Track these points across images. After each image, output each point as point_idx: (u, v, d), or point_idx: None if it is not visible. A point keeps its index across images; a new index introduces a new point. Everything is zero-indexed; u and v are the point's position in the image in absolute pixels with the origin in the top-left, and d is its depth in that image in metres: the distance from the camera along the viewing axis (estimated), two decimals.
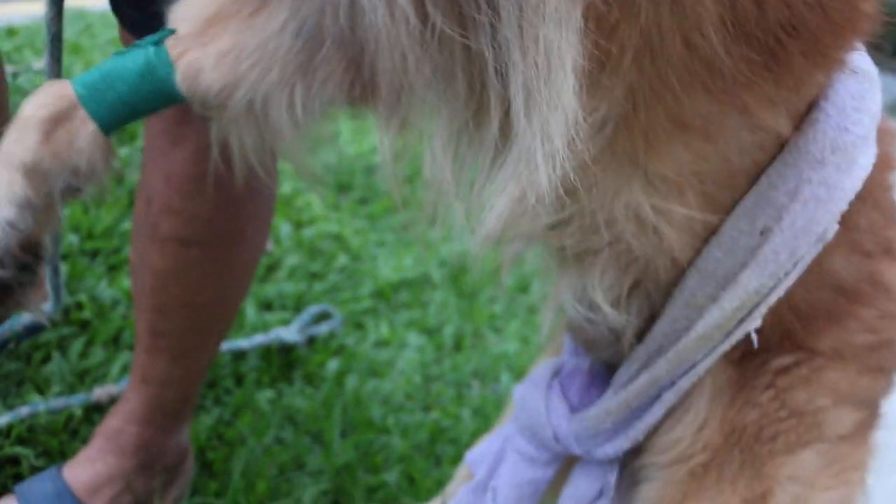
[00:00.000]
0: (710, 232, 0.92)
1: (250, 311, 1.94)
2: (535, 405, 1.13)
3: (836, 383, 1.00)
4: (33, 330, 1.58)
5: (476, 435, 1.88)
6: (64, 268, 1.72)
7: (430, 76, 0.74)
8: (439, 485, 1.69)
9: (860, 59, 0.93)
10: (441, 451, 1.80)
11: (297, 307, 2.05)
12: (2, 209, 0.81)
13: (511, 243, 0.96)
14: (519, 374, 2.20)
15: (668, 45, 0.73)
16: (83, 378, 1.56)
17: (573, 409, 1.11)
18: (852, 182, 0.90)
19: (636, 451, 1.08)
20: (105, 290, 1.73)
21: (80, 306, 1.68)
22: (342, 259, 2.32)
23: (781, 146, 0.89)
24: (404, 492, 1.65)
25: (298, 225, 2.37)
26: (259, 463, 1.51)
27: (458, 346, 2.22)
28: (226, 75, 0.80)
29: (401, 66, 0.74)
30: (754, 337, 0.96)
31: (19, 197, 0.82)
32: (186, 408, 1.40)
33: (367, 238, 2.48)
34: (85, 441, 1.40)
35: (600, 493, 1.12)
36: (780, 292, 0.93)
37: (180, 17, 0.84)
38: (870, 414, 1.05)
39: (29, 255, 0.86)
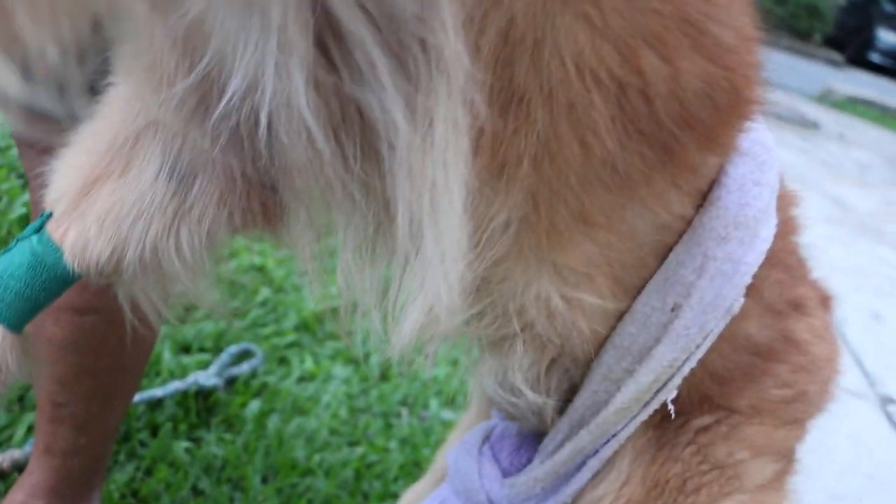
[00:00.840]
0: (623, 311, 0.93)
1: (167, 355, 1.89)
2: (468, 470, 1.15)
3: (754, 438, 1.03)
4: None
5: (404, 468, 1.87)
6: None
7: (335, 198, 0.73)
8: None
9: (757, 131, 0.94)
10: (368, 488, 1.78)
11: (217, 347, 2.01)
12: None
13: (429, 343, 0.96)
14: (448, 398, 2.19)
15: (565, 148, 0.74)
16: None
17: (505, 473, 1.14)
18: (755, 256, 0.92)
19: None
20: None
21: None
22: (264, 292, 2.29)
23: (687, 223, 0.90)
24: None
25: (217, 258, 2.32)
26: None
27: (385, 375, 2.20)
28: (111, 239, 0.78)
29: (307, 189, 0.73)
30: (671, 407, 0.98)
31: None
32: (97, 474, 1.36)
33: (290, 268, 2.45)
34: None
35: None
36: (692, 364, 0.96)
37: (53, 196, 0.81)
38: (787, 463, 1.10)
39: None
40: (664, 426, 1.05)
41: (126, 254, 0.78)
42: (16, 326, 0.80)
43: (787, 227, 1.02)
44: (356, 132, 0.66)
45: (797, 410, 1.09)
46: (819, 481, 2.38)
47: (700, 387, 1.02)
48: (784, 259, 1.01)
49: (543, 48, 0.68)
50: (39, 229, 0.80)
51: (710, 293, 0.91)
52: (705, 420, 1.04)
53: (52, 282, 0.80)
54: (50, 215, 0.81)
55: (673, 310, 0.92)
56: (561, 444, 1.05)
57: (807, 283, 1.09)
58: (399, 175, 0.67)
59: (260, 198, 0.78)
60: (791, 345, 1.04)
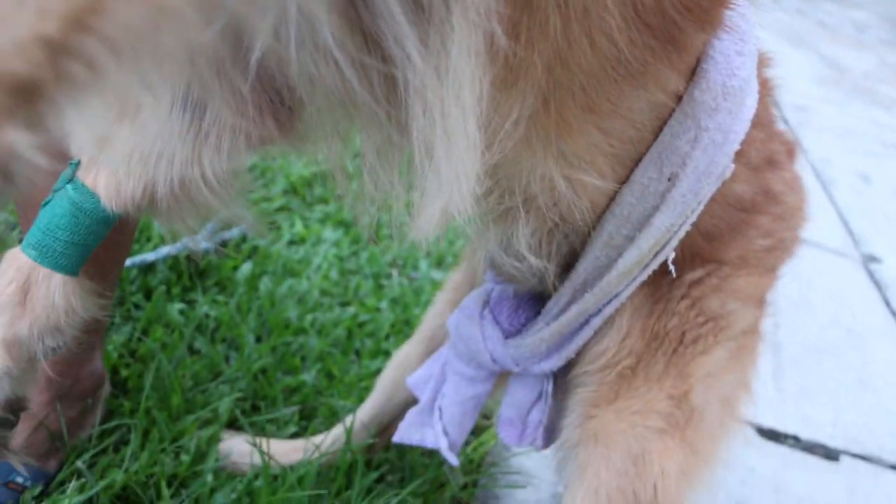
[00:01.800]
0: (622, 182, 0.96)
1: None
2: (470, 334, 1.20)
3: (742, 288, 1.11)
4: None
5: (395, 326, 1.91)
6: None
7: (360, 113, 0.74)
8: (359, 380, 1.73)
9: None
10: (360, 346, 1.83)
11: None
12: None
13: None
14: (437, 260, 2.22)
15: (578, 51, 0.75)
16: None
17: (506, 334, 1.19)
18: (742, 124, 0.96)
19: (569, 364, 1.17)
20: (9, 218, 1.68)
21: None
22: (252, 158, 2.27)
23: (679, 98, 0.92)
24: (324, 390, 1.68)
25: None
26: (172, 377, 1.52)
27: (375, 237, 2.22)
28: (140, 177, 0.80)
29: (331, 107, 0.74)
30: (672, 267, 1.04)
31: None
32: (97, 336, 1.39)
33: None
34: None
35: (538, 398, 1.23)
36: (687, 226, 1.01)
37: (78, 146, 0.81)
38: (764, 307, 1.18)
39: (10, 412, 0.89)
40: (658, 282, 1.11)
41: (157, 189, 0.81)
42: (73, 271, 0.85)
43: (763, 86, 1.05)
44: (378, 62, 0.65)
45: (776, 258, 1.16)
46: (799, 334, 2.45)
47: (692, 245, 1.06)
48: (760, 116, 1.03)
49: None
50: (72, 178, 0.82)
51: (703, 161, 0.95)
52: (697, 274, 1.10)
53: (96, 225, 0.84)
54: (78, 163, 0.83)
55: (670, 179, 0.95)
56: (566, 307, 1.10)
57: (777, 138, 1.13)
58: (414, 105, 0.68)
59: (273, 114, 0.78)
60: (769, 197, 1.10)
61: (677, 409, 1.08)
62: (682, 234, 1.01)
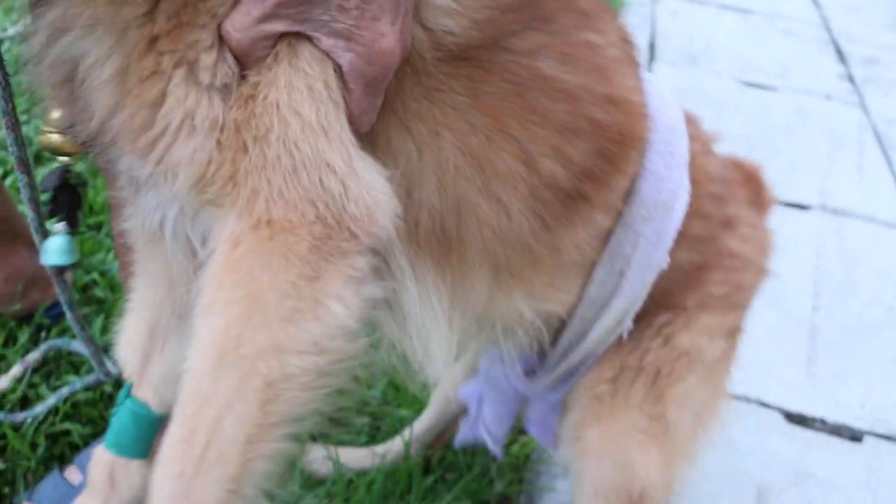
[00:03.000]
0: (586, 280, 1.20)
1: None
2: (496, 373, 1.53)
3: (709, 325, 1.30)
4: (56, 311, 1.89)
5: None
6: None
7: None
8: (421, 389, 2.01)
9: (666, 111, 1.15)
10: None
11: None
12: None
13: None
14: None
15: (515, 225, 1.01)
16: (107, 351, 1.87)
17: (524, 370, 1.46)
18: (674, 224, 1.17)
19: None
20: (112, 264, 2.01)
21: (94, 283, 1.97)
22: None
23: (619, 212, 1.14)
24: (391, 401, 1.98)
25: None
26: None
27: None
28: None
29: None
30: (625, 336, 1.28)
31: None
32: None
33: None
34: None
35: (552, 410, 1.50)
36: (639, 304, 1.24)
37: (126, 371, 1.16)
38: (736, 334, 1.38)
39: None
40: (634, 328, 1.32)
41: None
42: (143, 456, 1.13)
43: (703, 149, 1.24)
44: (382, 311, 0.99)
45: (738, 298, 1.35)
46: (838, 316, 2.59)
47: (654, 299, 1.27)
48: (707, 192, 1.23)
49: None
50: (129, 395, 1.14)
51: (644, 259, 1.17)
52: (664, 318, 1.30)
53: (152, 424, 1.13)
54: (131, 385, 1.14)
55: (620, 274, 1.18)
56: (557, 363, 1.37)
57: (734, 200, 1.31)
58: (399, 326, 0.95)
59: None
60: (723, 255, 1.28)
61: (655, 424, 1.30)
62: (637, 308, 1.24)
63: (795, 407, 2.25)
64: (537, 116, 0.95)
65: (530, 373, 1.48)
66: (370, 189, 0.79)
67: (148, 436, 1.13)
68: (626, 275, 1.18)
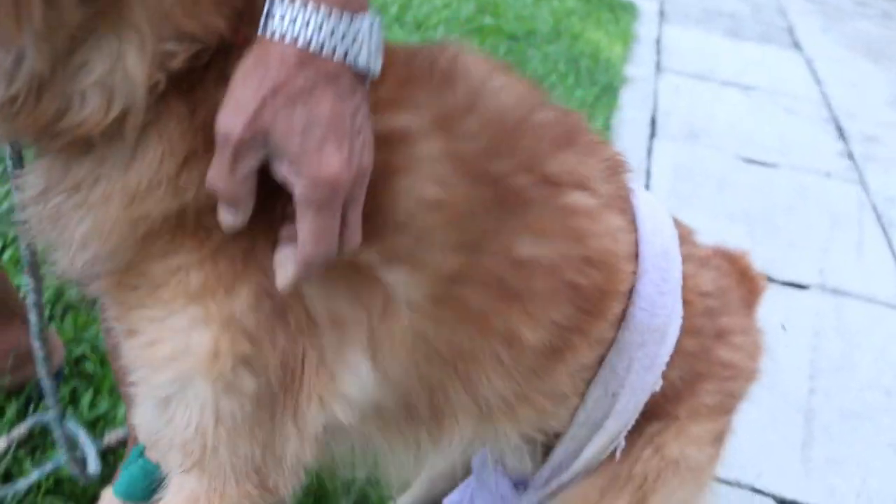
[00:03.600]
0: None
1: None
2: (486, 478, 1.53)
3: (697, 434, 1.31)
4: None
5: None
6: (69, 320, 2.02)
7: None
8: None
9: (660, 232, 1.18)
10: None
11: None
12: None
13: None
14: None
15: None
16: (95, 426, 1.87)
17: (513, 481, 1.48)
18: (668, 348, 1.20)
19: None
20: (104, 340, 2.02)
21: (85, 358, 1.98)
22: None
23: (612, 339, 1.17)
24: (376, 483, 1.96)
25: None
26: None
27: None
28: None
29: None
30: (618, 455, 1.30)
31: None
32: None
33: None
34: (104, 480, 1.72)
35: None
36: (632, 423, 1.26)
37: (141, 436, 1.25)
38: (722, 438, 1.38)
39: None
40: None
41: None
42: (149, 498, 1.17)
43: (699, 262, 1.27)
44: None
45: (729, 404, 1.35)
46: (836, 398, 2.57)
47: (646, 411, 1.27)
48: (701, 309, 1.24)
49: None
50: (142, 454, 1.33)
51: (637, 381, 1.19)
52: (656, 427, 1.31)
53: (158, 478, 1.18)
54: (143, 447, 1.26)
55: (613, 395, 1.20)
56: (548, 482, 1.38)
57: (726, 310, 1.32)
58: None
59: None
60: (715, 366, 1.30)
61: None
62: (628, 428, 1.25)
63: (789, 494, 2.22)
64: (518, 301, 1.00)
65: (520, 486, 1.49)
66: None
67: (152, 485, 1.15)
68: (619, 397, 1.20)
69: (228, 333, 0.83)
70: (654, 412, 1.29)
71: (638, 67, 4.91)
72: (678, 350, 1.21)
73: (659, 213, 1.20)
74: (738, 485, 2.22)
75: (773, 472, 2.27)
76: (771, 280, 3.08)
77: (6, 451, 1.76)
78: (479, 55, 0.99)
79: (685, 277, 1.20)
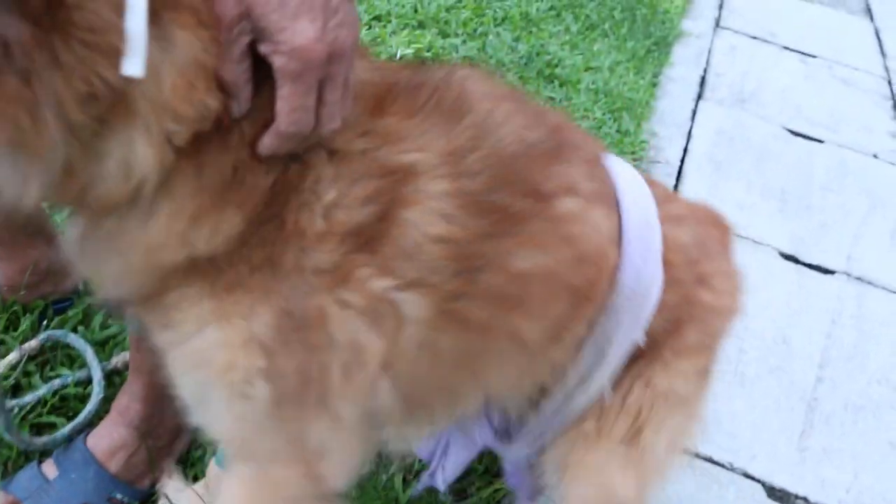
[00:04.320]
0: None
1: None
2: (467, 428, 1.62)
3: (682, 369, 1.41)
4: (64, 304, 1.96)
5: None
6: None
7: None
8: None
9: (640, 204, 1.26)
10: None
11: None
12: None
13: None
14: None
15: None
16: (104, 346, 1.94)
17: (496, 431, 1.58)
18: (650, 307, 1.29)
19: None
20: None
21: None
22: None
23: (602, 307, 1.26)
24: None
25: None
26: None
27: None
28: None
29: None
30: (607, 398, 1.39)
31: None
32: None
33: None
34: (109, 400, 1.79)
35: (526, 465, 1.63)
36: (616, 372, 1.35)
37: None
38: (707, 371, 1.48)
39: None
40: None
41: None
42: None
43: (671, 231, 1.33)
44: None
45: (711, 342, 1.46)
46: (842, 390, 2.56)
47: (633, 353, 1.37)
48: (681, 261, 1.33)
49: None
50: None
51: (623, 338, 1.29)
52: (642, 364, 1.39)
53: None
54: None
55: (602, 352, 1.30)
56: (538, 431, 1.47)
57: (706, 256, 1.40)
58: None
59: None
60: (697, 309, 1.38)
61: (633, 451, 1.43)
62: (612, 377, 1.35)
63: (780, 482, 2.23)
64: (519, 307, 1.13)
65: (504, 435, 1.53)
66: None
67: None
68: (607, 353, 1.29)
69: (244, 349, 0.95)
70: (640, 354, 1.38)
71: (696, 22, 4.77)
72: (661, 304, 1.30)
73: (637, 184, 1.29)
74: (731, 468, 2.24)
75: (767, 458, 2.29)
76: (796, 262, 3.05)
77: (17, 364, 1.83)
78: (484, 81, 1.12)
79: (664, 239, 1.29)
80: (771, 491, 2.21)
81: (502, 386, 1.27)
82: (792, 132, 3.90)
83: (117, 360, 1.90)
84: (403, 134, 0.99)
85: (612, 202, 1.24)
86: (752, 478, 2.23)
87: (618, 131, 3.44)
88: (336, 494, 1.13)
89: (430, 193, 0.99)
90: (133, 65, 0.74)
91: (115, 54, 0.74)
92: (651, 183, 1.38)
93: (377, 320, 1.00)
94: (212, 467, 1.66)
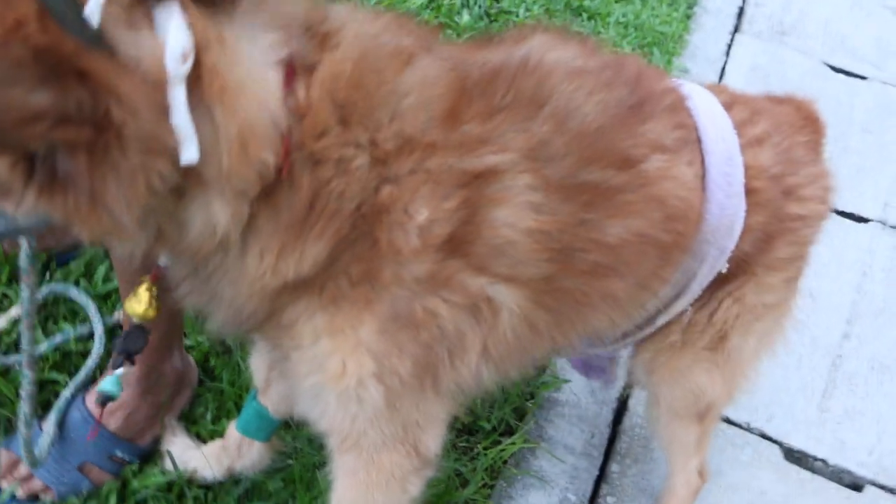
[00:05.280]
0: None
1: None
2: None
3: (772, 283, 1.47)
4: (66, 257, 1.93)
5: None
6: None
7: None
8: None
9: (723, 141, 1.29)
10: None
11: None
12: None
13: None
14: None
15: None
16: (107, 300, 1.91)
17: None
18: (734, 240, 1.35)
19: None
20: None
21: None
22: None
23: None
24: None
25: None
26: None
27: None
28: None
29: None
30: (689, 311, 1.48)
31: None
32: (173, 340, 1.73)
33: None
34: (111, 355, 1.77)
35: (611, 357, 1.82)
36: (705, 286, 1.43)
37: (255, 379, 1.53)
38: (797, 279, 1.53)
39: None
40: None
41: None
42: (265, 440, 1.68)
43: (753, 155, 1.36)
44: None
45: (802, 252, 1.49)
46: (868, 348, 2.47)
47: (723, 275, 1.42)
48: (765, 183, 1.35)
49: None
50: (255, 398, 1.63)
51: (707, 269, 1.37)
52: (734, 284, 1.45)
53: (271, 423, 1.65)
54: (257, 391, 1.62)
55: (688, 281, 1.38)
56: (623, 340, 1.57)
57: (791, 168, 1.40)
58: None
59: None
60: (786, 222, 1.41)
61: (719, 355, 1.53)
62: (695, 297, 1.44)
63: (798, 443, 2.18)
64: (612, 271, 1.19)
65: (596, 340, 1.61)
66: None
67: (267, 428, 1.66)
68: (691, 284, 1.38)
69: (355, 356, 1.06)
70: (730, 276, 1.42)
71: None
72: (748, 227, 1.34)
73: (718, 117, 1.32)
74: (748, 428, 2.18)
75: (785, 419, 2.23)
76: None
77: (19, 319, 1.81)
78: (562, 48, 1.14)
79: (747, 168, 1.32)
80: (788, 453, 2.16)
81: (591, 332, 1.37)
82: (833, 68, 3.71)
83: (119, 314, 1.87)
84: (484, 138, 1.03)
85: (696, 145, 1.27)
86: (770, 438, 2.18)
87: None
88: (433, 461, 1.26)
89: (515, 189, 1.04)
90: (189, 153, 0.81)
91: (169, 150, 0.80)
92: (729, 100, 1.40)
93: (476, 314, 1.10)
94: (231, 430, 1.68)
